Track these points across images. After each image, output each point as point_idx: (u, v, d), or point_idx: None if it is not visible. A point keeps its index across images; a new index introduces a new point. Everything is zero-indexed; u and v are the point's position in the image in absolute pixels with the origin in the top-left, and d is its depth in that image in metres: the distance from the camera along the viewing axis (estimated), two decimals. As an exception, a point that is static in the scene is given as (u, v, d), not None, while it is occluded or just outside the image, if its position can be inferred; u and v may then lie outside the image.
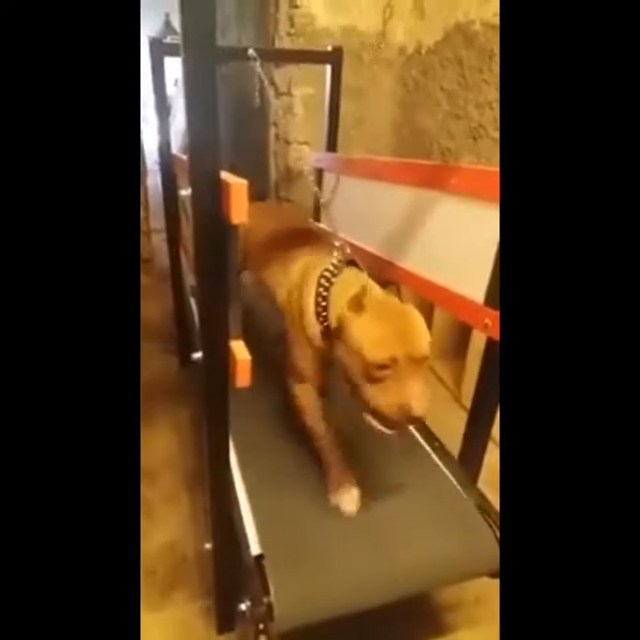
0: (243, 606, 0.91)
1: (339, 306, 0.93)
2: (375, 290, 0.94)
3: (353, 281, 0.97)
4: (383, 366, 0.81)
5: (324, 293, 0.98)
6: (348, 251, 1.03)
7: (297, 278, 1.08)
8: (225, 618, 1.06)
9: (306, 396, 1.11)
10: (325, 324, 0.97)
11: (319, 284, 0.99)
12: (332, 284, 0.98)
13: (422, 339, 0.85)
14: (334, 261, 1.01)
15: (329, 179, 1.62)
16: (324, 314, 0.97)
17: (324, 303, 0.97)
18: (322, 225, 1.51)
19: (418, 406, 0.80)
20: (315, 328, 1.00)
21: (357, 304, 0.86)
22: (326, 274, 0.99)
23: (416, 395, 0.81)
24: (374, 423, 0.87)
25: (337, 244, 1.04)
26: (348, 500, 1.00)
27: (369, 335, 0.84)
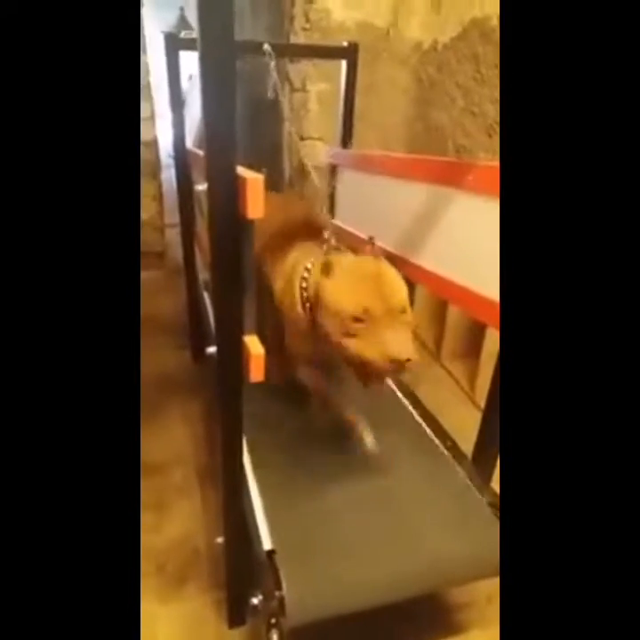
0: (254, 600, 0.91)
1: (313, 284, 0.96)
2: (348, 255, 0.96)
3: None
4: (358, 319, 0.83)
5: (305, 285, 1.01)
6: (334, 242, 1.05)
7: (289, 272, 1.10)
8: (236, 612, 1.06)
9: (310, 376, 1.18)
10: (310, 313, 0.99)
11: (302, 278, 1.02)
12: (311, 274, 1.01)
13: (396, 289, 0.86)
14: (319, 255, 1.02)
15: (342, 175, 1.61)
16: (308, 304, 1.00)
17: (306, 294, 1.00)
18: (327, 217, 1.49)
19: (399, 351, 0.80)
20: (303, 317, 1.02)
21: (327, 268, 0.89)
22: (309, 266, 1.02)
23: (395, 341, 0.81)
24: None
25: (325, 235, 1.05)
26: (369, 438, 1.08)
27: (340, 291, 0.87)
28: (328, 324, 0.89)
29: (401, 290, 0.87)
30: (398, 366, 0.82)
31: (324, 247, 1.04)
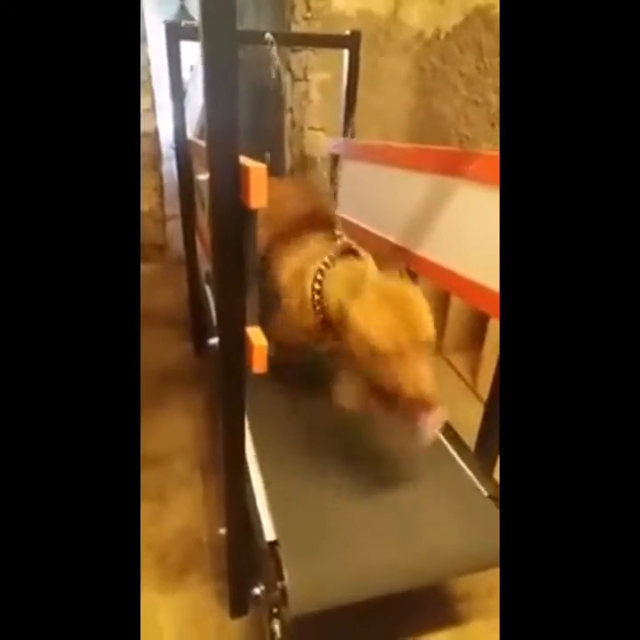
0: (256, 591, 0.92)
1: (334, 295, 0.94)
2: (374, 273, 0.93)
3: (346, 270, 0.99)
4: (389, 353, 0.81)
5: (318, 287, 1.00)
6: (345, 240, 1.04)
7: (299, 266, 1.09)
8: (238, 602, 1.07)
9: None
10: (322, 315, 0.99)
11: (315, 278, 1.01)
12: (325, 276, 1.00)
13: (426, 321, 0.85)
14: (331, 253, 1.03)
15: (345, 165, 1.60)
16: (319, 306, 0.99)
17: (318, 297, 0.99)
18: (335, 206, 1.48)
19: (429, 391, 0.79)
20: (312, 319, 1.01)
21: (356, 290, 0.87)
22: (322, 266, 1.01)
23: (426, 379, 0.80)
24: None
25: (337, 233, 1.04)
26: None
27: (372, 322, 0.84)
28: (355, 351, 0.87)
29: (430, 321, 0.85)
30: (428, 404, 0.80)
31: (337, 243, 1.03)
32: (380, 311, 0.84)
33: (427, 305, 0.87)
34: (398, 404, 0.83)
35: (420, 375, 0.80)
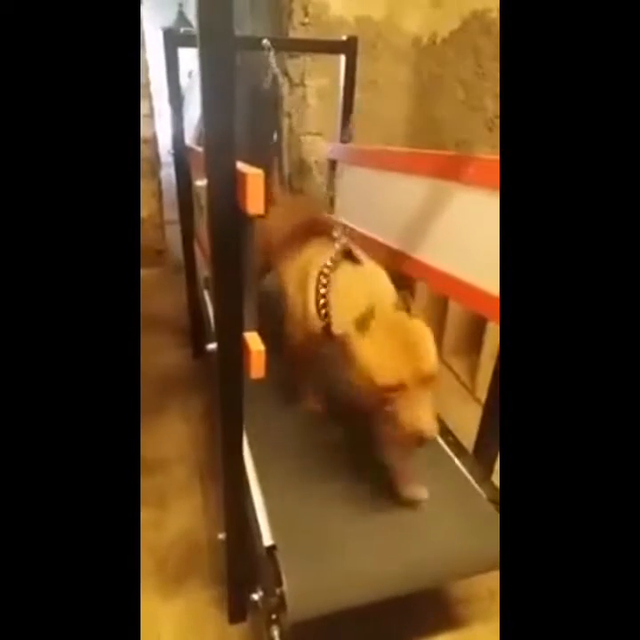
0: (255, 596, 0.91)
1: (339, 308, 0.96)
2: (382, 303, 0.92)
3: (349, 277, 1.00)
4: (391, 390, 0.82)
5: (323, 290, 1.00)
6: (345, 241, 1.04)
7: (301, 273, 1.10)
8: (237, 608, 1.06)
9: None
10: (326, 320, 0.99)
11: (318, 281, 1.01)
12: (329, 280, 1.01)
13: (430, 359, 0.84)
14: (332, 256, 1.03)
15: (342, 170, 1.61)
16: (324, 311, 1.00)
17: (323, 301, 1.00)
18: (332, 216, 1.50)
19: (427, 429, 0.80)
20: (317, 323, 1.02)
21: (363, 324, 0.86)
22: (325, 270, 1.01)
23: (425, 417, 0.81)
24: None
25: (335, 235, 1.05)
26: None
27: (376, 359, 0.84)
28: (358, 385, 0.87)
29: (434, 355, 0.85)
30: (421, 443, 0.82)
31: (336, 246, 1.03)
32: (383, 346, 0.84)
33: (431, 337, 0.87)
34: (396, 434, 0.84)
35: (420, 414, 0.81)
